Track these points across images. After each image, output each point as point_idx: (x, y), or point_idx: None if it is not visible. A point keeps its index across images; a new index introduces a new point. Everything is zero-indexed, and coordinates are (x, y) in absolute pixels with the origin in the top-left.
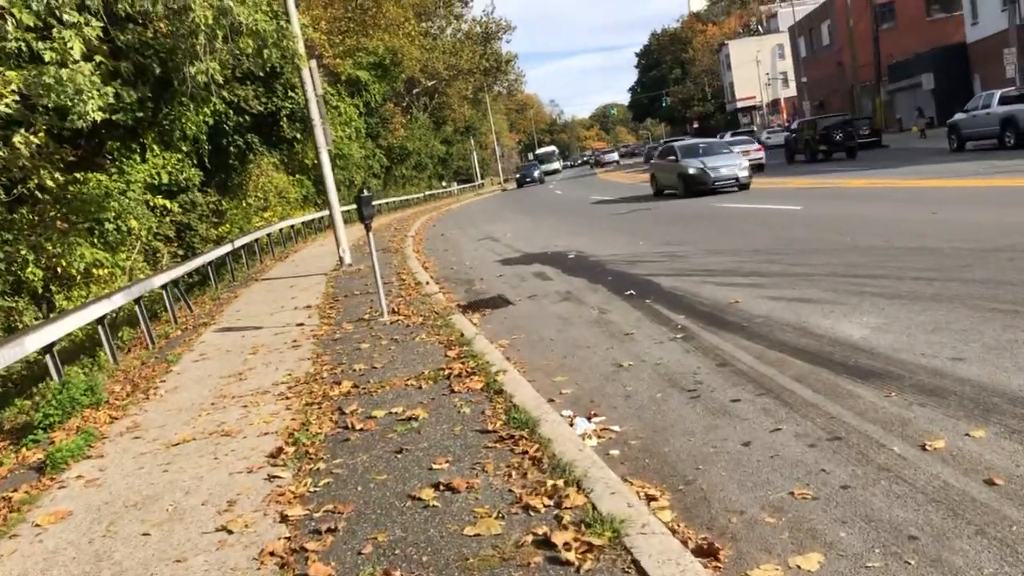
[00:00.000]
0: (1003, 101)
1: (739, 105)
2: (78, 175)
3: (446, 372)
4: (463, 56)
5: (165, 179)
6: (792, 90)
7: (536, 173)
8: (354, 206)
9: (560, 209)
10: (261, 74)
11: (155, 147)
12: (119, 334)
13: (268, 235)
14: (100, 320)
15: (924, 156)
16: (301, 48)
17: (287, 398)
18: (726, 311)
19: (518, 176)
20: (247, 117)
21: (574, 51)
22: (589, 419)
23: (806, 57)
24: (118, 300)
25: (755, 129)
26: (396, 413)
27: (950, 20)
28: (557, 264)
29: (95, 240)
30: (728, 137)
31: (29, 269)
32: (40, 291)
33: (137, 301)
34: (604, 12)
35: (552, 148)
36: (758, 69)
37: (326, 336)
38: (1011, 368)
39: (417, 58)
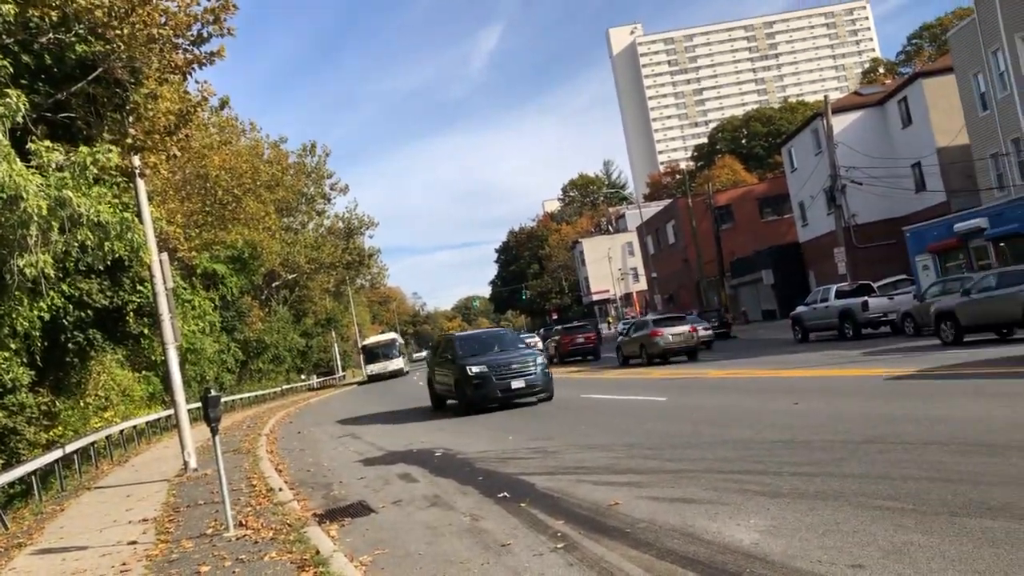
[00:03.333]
0: (839, 295)
1: (595, 298)
2: None
3: None
4: (325, 250)
5: None
6: (643, 284)
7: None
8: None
9: (425, 402)
10: (102, 267)
11: None
12: None
13: (107, 437)
14: None
15: (773, 347)
16: (151, 242)
17: None
18: (607, 515)
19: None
20: (90, 312)
21: (436, 247)
22: None
23: (654, 254)
24: None
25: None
26: None
27: (783, 221)
28: (423, 463)
29: None
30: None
31: None
32: None
33: None
34: (464, 211)
35: (392, 336)
36: (610, 265)
37: (161, 557)
38: None
39: (277, 252)
